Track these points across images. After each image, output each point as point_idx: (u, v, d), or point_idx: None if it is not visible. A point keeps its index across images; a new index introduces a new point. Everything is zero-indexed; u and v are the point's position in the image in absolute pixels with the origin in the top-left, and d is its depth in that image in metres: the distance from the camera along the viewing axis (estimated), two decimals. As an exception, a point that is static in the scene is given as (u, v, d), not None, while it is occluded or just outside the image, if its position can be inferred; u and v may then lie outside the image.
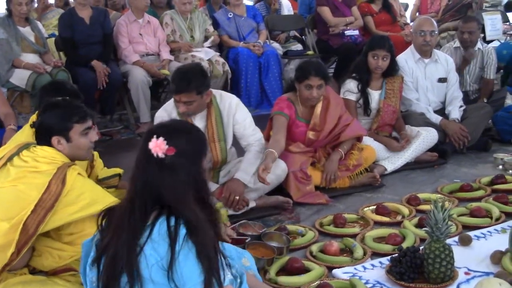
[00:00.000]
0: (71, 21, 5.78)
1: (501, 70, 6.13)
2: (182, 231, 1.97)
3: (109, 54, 5.98)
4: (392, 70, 4.74)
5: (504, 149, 4.94)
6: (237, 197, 3.57)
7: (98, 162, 3.51)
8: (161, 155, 2.02)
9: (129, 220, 2.02)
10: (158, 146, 2.02)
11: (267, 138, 4.27)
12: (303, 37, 7.87)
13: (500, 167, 4.52)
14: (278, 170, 3.86)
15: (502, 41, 7.23)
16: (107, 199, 2.68)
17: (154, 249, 1.97)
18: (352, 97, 4.67)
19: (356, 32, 7.05)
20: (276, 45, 7.38)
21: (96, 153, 3.47)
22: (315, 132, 4.22)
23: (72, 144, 2.77)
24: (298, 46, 7.79)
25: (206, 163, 2.20)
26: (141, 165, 2.08)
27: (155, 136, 2.04)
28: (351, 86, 4.66)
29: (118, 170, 3.58)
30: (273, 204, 3.83)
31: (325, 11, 7.10)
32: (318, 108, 4.22)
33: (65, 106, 2.85)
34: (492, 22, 7.38)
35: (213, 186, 3.68)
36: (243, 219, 3.48)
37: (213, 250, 2.02)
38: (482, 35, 6.82)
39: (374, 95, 4.73)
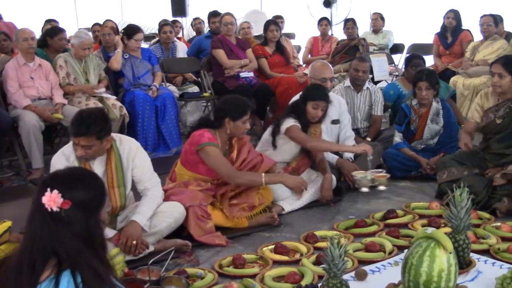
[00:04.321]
0: None
1: (389, 110, 6.42)
2: None
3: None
4: (323, 117, 4.91)
5: (394, 185, 5.15)
6: (134, 242, 3.51)
7: (-20, 217, 3.32)
8: (55, 209, 1.94)
9: (16, 280, 1.91)
10: (52, 200, 1.93)
11: (173, 179, 4.27)
12: (199, 79, 7.94)
13: (357, 185, 4.78)
14: (176, 214, 3.82)
15: (389, 82, 7.58)
16: None
17: None
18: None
19: (251, 74, 7.21)
20: (172, 87, 7.41)
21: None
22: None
23: None
24: (195, 88, 7.86)
25: (104, 213, 2.15)
26: (33, 219, 1.98)
27: (48, 189, 1.95)
28: (296, 121, 4.73)
29: (6, 225, 3.39)
30: (172, 247, 3.78)
31: (220, 54, 7.21)
32: (235, 149, 4.32)
33: None
34: (379, 64, 7.75)
35: (110, 232, 3.58)
36: (141, 264, 3.42)
37: None
38: (370, 76, 7.14)
39: None
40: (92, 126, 3.41)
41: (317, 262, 3.44)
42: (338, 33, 9.52)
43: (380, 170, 4.93)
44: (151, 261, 3.31)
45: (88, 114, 3.48)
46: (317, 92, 4.83)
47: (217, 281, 3.31)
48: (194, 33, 10.53)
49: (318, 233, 3.99)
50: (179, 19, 11.30)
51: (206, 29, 9.71)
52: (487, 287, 3.07)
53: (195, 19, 10.56)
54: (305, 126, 4.80)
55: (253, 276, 3.30)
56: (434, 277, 2.73)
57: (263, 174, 4.22)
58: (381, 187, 4.72)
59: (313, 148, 4.77)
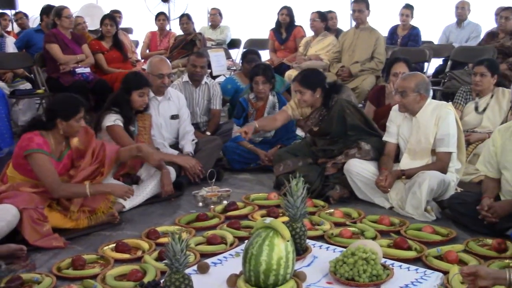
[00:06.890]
0: None
1: (228, 104, 6.53)
2: None
3: None
4: (147, 107, 4.89)
5: (234, 177, 5.27)
6: None
7: None
8: None
9: None
10: None
11: (4, 181, 4.00)
12: (32, 75, 7.59)
13: (200, 204, 4.55)
14: (8, 216, 3.59)
15: (227, 76, 7.71)
16: None
17: None
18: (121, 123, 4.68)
19: (88, 70, 7.01)
20: (2, 84, 7.02)
21: None
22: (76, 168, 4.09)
23: None
24: (27, 85, 7.52)
25: None
26: None
27: None
28: (118, 117, 4.66)
29: None
30: (5, 253, 3.56)
31: (55, 49, 6.94)
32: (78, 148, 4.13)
33: None
34: (217, 59, 7.88)
35: None
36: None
37: None
38: (209, 70, 7.22)
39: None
40: None
41: (159, 258, 3.42)
42: (177, 28, 9.52)
43: (227, 189, 4.71)
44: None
45: None
46: (140, 80, 4.82)
47: (56, 285, 3.18)
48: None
49: (160, 228, 3.96)
50: (7, 11, 10.67)
51: (35, 22, 9.24)
52: (322, 270, 3.23)
53: (16, 13, 10.01)
54: (130, 118, 4.78)
55: (94, 277, 3.21)
56: (274, 265, 2.84)
57: (87, 185, 4.03)
58: (212, 206, 4.46)
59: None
